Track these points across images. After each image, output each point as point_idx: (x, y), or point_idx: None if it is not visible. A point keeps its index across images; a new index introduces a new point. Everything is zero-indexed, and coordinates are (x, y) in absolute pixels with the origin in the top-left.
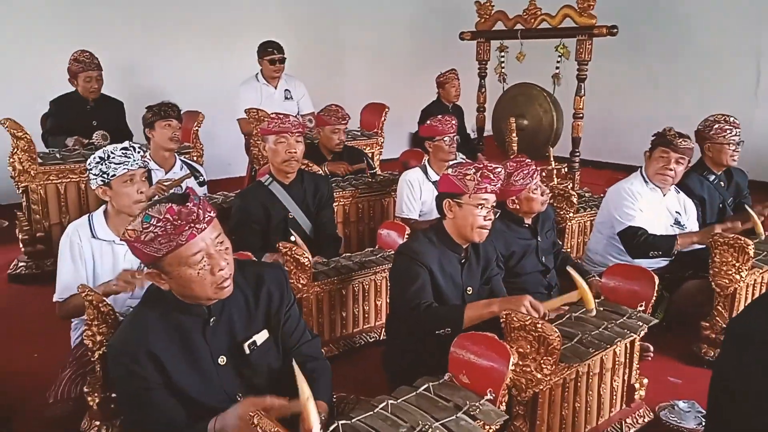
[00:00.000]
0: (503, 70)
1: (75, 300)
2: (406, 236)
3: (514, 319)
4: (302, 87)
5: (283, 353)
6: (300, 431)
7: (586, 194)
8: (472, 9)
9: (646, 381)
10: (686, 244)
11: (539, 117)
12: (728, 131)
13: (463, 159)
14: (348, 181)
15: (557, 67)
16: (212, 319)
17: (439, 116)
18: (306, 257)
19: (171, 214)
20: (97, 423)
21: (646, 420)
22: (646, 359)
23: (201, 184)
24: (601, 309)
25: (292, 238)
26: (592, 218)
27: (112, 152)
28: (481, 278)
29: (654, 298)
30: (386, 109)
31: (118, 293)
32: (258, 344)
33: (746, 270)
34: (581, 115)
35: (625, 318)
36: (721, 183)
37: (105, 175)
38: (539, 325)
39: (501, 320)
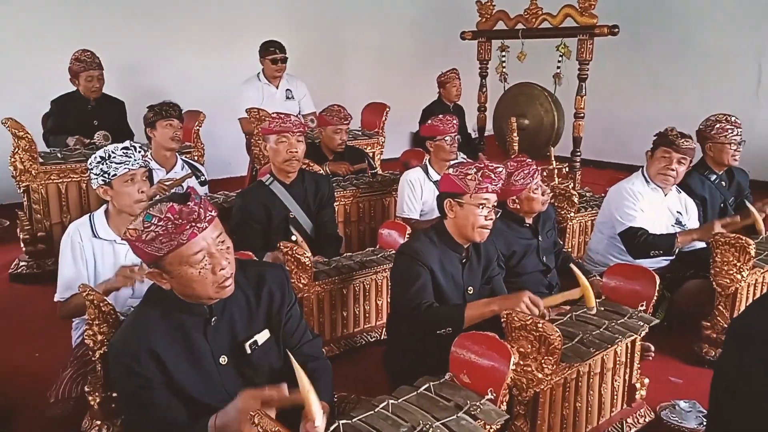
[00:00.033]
0: (504, 70)
1: (76, 299)
2: (407, 236)
3: (515, 318)
4: (304, 87)
5: (283, 353)
6: (301, 430)
7: (587, 194)
8: (473, 8)
9: (647, 381)
10: (687, 241)
11: (540, 116)
12: (729, 131)
13: (464, 159)
14: (349, 180)
15: (558, 67)
16: (213, 319)
17: (440, 116)
18: (307, 257)
19: (172, 213)
20: (98, 422)
21: (647, 420)
22: (647, 359)
23: (202, 183)
24: (602, 309)
25: (293, 238)
26: (593, 218)
27: (113, 152)
28: (482, 278)
29: (655, 297)
30: (387, 109)
31: (118, 289)
32: (259, 344)
33: (747, 270)
34: (582, 114)
35: (626, 318)
36: (723, 183)
37: (106, 175)
38: (540, 325)
39: (502, 320)
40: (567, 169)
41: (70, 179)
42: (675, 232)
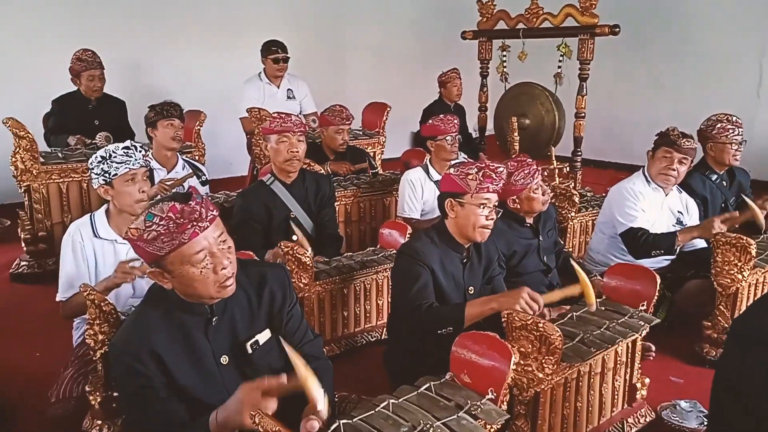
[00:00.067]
0: (505, 70)
1: (77, 299)
2: (408, 236)
3: (516, 318)
4: (305, 87)
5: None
6: (301, 429)
7: (588, 194)
8: (474, 8)
9: (647, 381)
10: (687, 239)
11: (541, 116)
12: (730, 131)
13: (465, 158)
14: (350, 180)
15: (559, 67)
16: (214, 319)
17: (441, 115)
18: (307, 256)
19: (174, 212)
20: (99, 422)
21: (647, 420)
22: (648, 359)
23: (203, 183)
24: (603, 308)
25: (295, 238)
26: (593, 218)
27: (113, 151)
28: (483, 278)
29: (656, 297)
30: (388, 109)
31: (119, 286)
32: (260, 344)
33: (748, 270)
34: (583, 114)
35: (626, 317)
36: (724, 182)
37: (107, 175)
38: (541, 325)
39: (502, 319)
40: (568, 168)
41: (71, 179)
42: (675, 231)
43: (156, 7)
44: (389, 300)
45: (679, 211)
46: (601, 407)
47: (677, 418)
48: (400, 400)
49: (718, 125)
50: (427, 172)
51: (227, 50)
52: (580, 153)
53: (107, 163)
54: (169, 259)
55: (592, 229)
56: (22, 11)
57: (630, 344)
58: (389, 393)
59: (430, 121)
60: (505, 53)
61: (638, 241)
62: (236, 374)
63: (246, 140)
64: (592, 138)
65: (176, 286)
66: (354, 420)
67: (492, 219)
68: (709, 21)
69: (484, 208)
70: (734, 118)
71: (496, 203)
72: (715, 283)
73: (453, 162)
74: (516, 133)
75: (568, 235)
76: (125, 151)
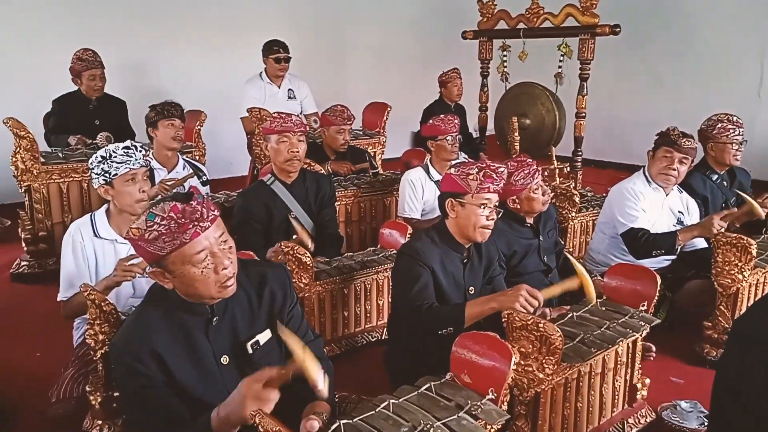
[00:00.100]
0: (506, 69)
1: (78, 298)
2: (408, 236)
3: (516, 318)
4: (306, 87)
5: (285, 353)
6: (301, 429)
7: (589, 194)
8: (474, 8)
9: (648, 381)
10: (688, 238)
11: (542, 116)
12: (731, 130)
13: (466, 158)
14: (350, 180)
15: (560, 66)
16: (215, 319)
17: (442, 115)
18: (308, 256)
19: (175, 212)
20: (99, 422)
21: (648, 420)
22: (649, 359)
23: (204, 183)
24: (603, 309)
25: (294, 237)
26: (594, 218)
27: (114, 151)
28: (484, 278)
29: (656, 297)
30: (388, 109)
31: (119, 285)
32: (261, 344)
33: (749, 270)
34: (584, 114)
35: (627, 318)
36: (724, 182)
37: (107, 175)
38: (541, 325)
39: (503, 319)
40: (568, 168)
41: (71, 179)
42: (676, 231)
43: (156, 7)
44: (389, 300)
45: (679, 211)
46: (601, 407)
47: (678, 419)
48: (400, 400)
49: (719, 125)
50: (428, 172)
51: (227, 50)
52: (580, 153)
53: (107, 163)
54: (171, 259)
55: (592, 230)
56: (22, 11)
57: (630, 344)
58: (389, 393)
59: (431, 121)
60: (505, 53)
61: (639, 241)
62: (237, 374)
63: (246, 140)
64: (593, 138)
65: (177, 286)
66: (354, 420)
67: (493, 219)
68: (710, 21)
69: (484, 208)
70: (735, 118)
71: (497, 203)
72: (715, 283)
73: (453, 162)
74: (516, 133)
75: (569, 235)
76: (125, 151)
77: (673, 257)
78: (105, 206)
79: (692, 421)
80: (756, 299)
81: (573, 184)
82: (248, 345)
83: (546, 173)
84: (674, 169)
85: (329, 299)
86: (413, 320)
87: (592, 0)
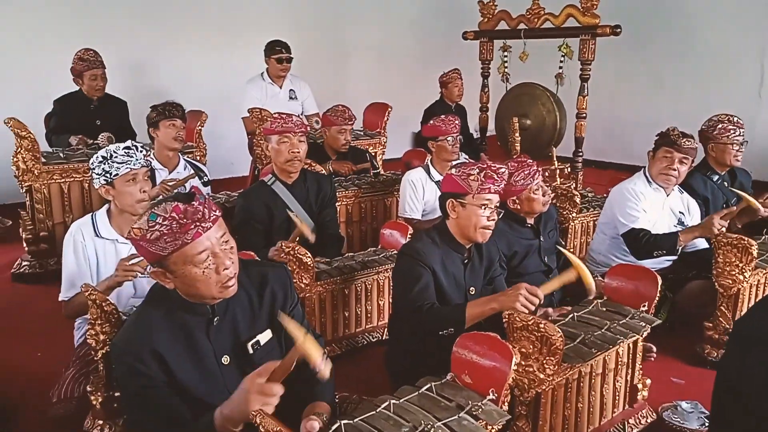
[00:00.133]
0: (506, 70)
1: (80, 298)
2: (409, 236)
3: (517, 319)
4: (307, 88)
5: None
6: (302, 429)
7: (589, 194)
8: (475, 8)
9: (649, 381)
10: (689, 239)
11: (542, 117)
12: (732, 131)
13: (466, 159)
14: (351, 180)
15: (560, 67)
16: (216, 319)
17: (442, 116)
18: (308, 256)
19: (177, 212)
20: (100, 422)
21: (648, 421)
22: (649, 360)
23: (205, 184)
24: (604, 309)
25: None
26: (595, 218)
27: (114, 152)
28: (484, 278)
29: (657, 298)
30: (389, 109)
31: (121, 285)
32: (261, 344)
33: (749, 270)
34: (584, 114)
35: (628, 318)
36: (725, 183)
37: (108, 175)
38: (542, 326)
39: (504, 320)
40: (569, 169)
41: (72, 179)
42: (677, 232)
43: (156, 7)
44: (390, 300)
45: (680, 212)
46: (602, 408)
47: (678, 419)
48: (401, 400)
49: (720, 126)
50: (428, 172)
51: (227, 50)
52: (581, 153)
53: (108, 164)
54: (172, 259)
55: (593, 230)
56: (22, 11)
57: (631, 345)
58: (390, 393)
59: (431, 122)
60: (506, 53)
61: (640, 241)
62: (237, 374)
63: (247, 140)
64: (594, 138)
65: (178, 286)
66: (355, 420)
67: (493, 220)
68: (710, 21)
69: (485, 208)
70: (735, 119)
71: (498, 204)
72: (716, 283)
73: (454, 162)
74: (517, 134)
75: (570, 235)
76: (126, 151)
77: (674, 258)
78: (106, 206)
79: (693, 422)
80: (757, 300)
81: (574, 184)
82: (249, 345)
83: (547, 174)
84: (674, 169)
85: (330, 299)
86: (414, 321)
87: (592, 1)
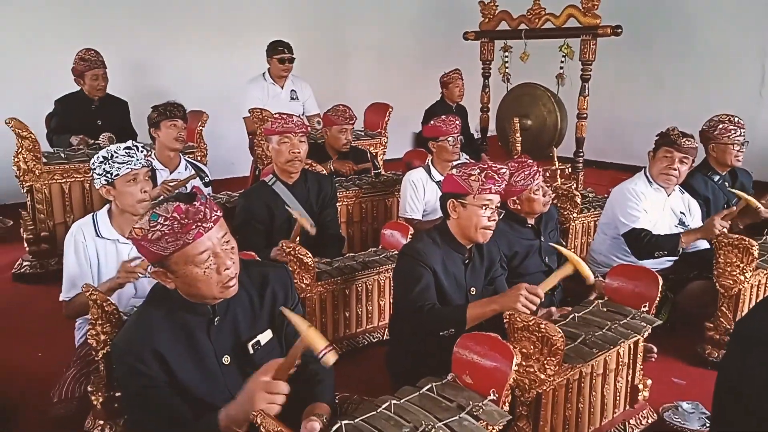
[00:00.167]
0: (507, 70)
1: (81, 298)
2: (410, 236)
3: (518, 319)
4: (308, 89)
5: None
6: (302, 429)
7: (590, 194)
8: (475, 9)
9: (649, 382)
10: (690, 241)
11: (543, 117)
12: (733, 131)
13: (467, 159)
14: (352, 180)
15: (561, 67)
16: (217, 319)
17: (443, 116)
18: (309, 256)
19: (178, 212)
20: (101, 422)
21: (649, 421)
22: (650, 360)
23: (206, 184)
24: (605, 309)
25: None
26: (595, 219)
27: (115, 152)
28: (485, 279)
29: (658, 298)
30: (390, 109)
31: (122, 286)
32: (262, 344)
33: (750, 271)
34: (585, 115)
35: (628, 319)
36: (726, 183)
37: (108, 175)
38: (543, 326)
39: (504, 320)
40: (570, 169)
41: (73, 179)
42: (678, 233)
43: (156, 7)
44: (391, 301)
45: (681, 212)
46: (603, 408)
47: (679, 420)
48: (401, 400)
49: (720, 126)
50: (429, 172)
51: (227, 50)
52: (582, 154)
53: (109, 164)
54: (173, 259)
55: (594, 230)
56: (22, 11)
57: (632, 345)
58: (391, 394)
59: (432, 122)
60: (507, 54)
61: (641, 241)
62: (238, 374)
63: (248, 140)
64: (594, 139)
65: (179, 286)
66: (356, 420)
67: (494, 220)
68: (711, 21)
69: (486, 209)
70: (736, 119)
71: (499, 204)
72: (717, 284)
73: (455, 163)
74: (518, 134)
75: (570, 236)
76: (127, 151)
77: (675, 258)
78: (107, 206)
79: (694, 423)
80: (758, 300)
81: (574, 184)
82: (249, 345)
83: (547, 174)
84: (675, 169)
85: (331, 300)
86: (415, 321)
87: (593, 1)
